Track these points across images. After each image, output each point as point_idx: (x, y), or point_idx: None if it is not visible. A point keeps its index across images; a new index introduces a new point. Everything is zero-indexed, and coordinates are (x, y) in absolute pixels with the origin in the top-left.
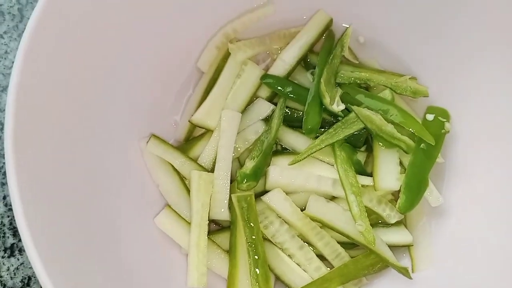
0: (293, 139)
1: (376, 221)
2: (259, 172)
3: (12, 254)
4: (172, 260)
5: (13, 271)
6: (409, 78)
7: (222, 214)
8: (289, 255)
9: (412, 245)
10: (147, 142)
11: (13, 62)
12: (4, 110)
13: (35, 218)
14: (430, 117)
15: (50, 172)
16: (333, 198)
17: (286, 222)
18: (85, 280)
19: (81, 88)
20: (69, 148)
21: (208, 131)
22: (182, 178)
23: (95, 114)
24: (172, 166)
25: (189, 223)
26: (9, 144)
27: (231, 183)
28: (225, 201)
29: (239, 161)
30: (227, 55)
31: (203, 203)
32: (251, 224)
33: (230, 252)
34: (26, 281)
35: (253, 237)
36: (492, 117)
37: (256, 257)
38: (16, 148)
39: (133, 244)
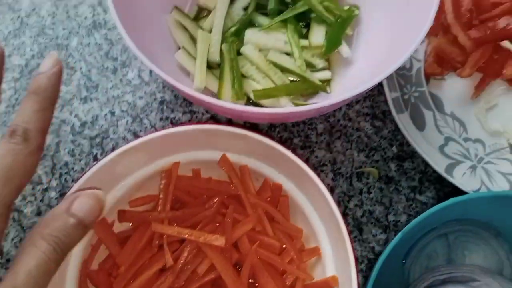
0: (262, 19)
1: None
2: (240, 33)
3: None
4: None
5: None
6: None
7: (215, 55)
8: (257, 82)
9: (331, 79)
10: (170, 13)
11: None
12: None
13: None
14: (346, 6)
15: None
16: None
17: (254, 64)
18: None
19: None
20: None
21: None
22: (192, 36)
23: None
24: (186, 28)
25: (195, 58)
26: None
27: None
28: (218, 48)
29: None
30: None
31: (204, 48)
32: (233, 61)
33: (220, 77)
34: None
35: (234, 68)
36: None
37: (235, 78)
38: None
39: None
